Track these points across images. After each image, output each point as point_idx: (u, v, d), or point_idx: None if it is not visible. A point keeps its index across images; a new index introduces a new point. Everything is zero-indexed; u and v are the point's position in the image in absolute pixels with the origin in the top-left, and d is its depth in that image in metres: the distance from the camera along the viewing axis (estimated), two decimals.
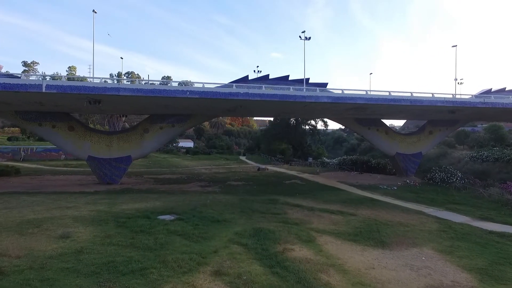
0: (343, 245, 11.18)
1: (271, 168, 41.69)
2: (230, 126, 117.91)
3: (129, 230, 10.43)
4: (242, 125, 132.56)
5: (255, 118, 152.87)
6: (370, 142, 32.54)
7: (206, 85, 19.97)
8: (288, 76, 27.65)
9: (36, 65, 68.98)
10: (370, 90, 23.13)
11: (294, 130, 56.16)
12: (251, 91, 20.51)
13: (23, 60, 78.19)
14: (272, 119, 63.81)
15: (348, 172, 37.41)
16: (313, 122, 57.47)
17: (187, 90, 19.31)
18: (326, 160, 48.36)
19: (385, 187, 25.77)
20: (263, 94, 20.67)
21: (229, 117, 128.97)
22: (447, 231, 13.50)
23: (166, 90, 18.97)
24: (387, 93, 23.41)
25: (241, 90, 20.35)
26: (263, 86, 21.43)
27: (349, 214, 16.33)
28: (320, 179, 30.18)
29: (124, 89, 18.35)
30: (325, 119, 57.68)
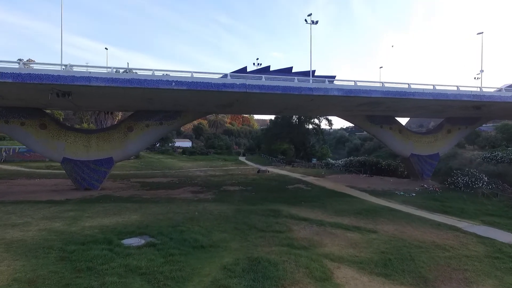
0: (371, 284, 8.10)
1: (272, 170, 38.60)
2: (230, 126, 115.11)
3: (71, 267, 7.38)
4: (242, 125, 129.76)
5: (255, 117, 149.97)
6: (382, 142, 29.44)
7: (195, 75, 16.90)
8: (291, 68, 24.64)
9: (32, 63, 65.92)
10: (386, 82, 20.02)
11: (296, 129, 53.00)
12: (249, 82, 17.44)
13: (19, 58, 75.37)
14: (273, 117, 60.75)
15: (356, 175, 34.32)
16: (316, 120, 54.33)
17: (173, 81, 16.24)
18: (331, 161, 45.22)
19: (402, 193, 22.67)
20: (263, 85, 17.60)
21: (229, 117, 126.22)
22: (502, 258, 10.40)
23: (147, 80, 15.92)
24: (406, 86, 20.29)
25: (237, 81, 17.29)
26: (263, 76, 18.36)
27: (368, 230, 13.26)
28: (326, 183, 27.08)
29: (96, 78, 15.30)
30: (329, 118, 54.57)
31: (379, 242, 11.68)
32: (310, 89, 18.27)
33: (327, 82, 19.02)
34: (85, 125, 60.06)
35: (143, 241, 9.67)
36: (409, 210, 17.74)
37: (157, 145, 64.47)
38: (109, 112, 32.57)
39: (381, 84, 19.87)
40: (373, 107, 22.73)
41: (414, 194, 22.15)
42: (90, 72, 15.37)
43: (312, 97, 19.02)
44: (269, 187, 24.52)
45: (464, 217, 16.34)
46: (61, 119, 65.84)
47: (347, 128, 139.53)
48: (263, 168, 37.54)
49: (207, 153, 60.29)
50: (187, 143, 77.84)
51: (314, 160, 45.22)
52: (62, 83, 14.99)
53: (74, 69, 15.56)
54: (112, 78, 15.50)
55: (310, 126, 55.24)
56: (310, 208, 17.33)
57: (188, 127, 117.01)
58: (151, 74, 16.30)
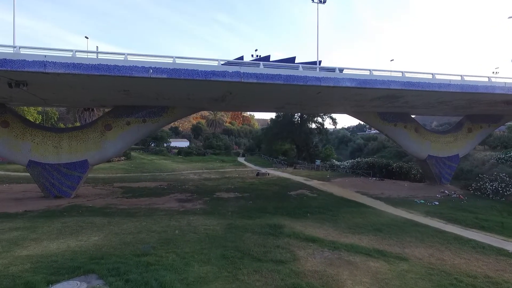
0: None
1: (273, 172, 35.62)
2: (230, 125, 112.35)
3: None
4: (242, 124, 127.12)
5: (256, 117, 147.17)
6: (395, 142, 26.39)
7: (178, 61, 13.90)
8: (294, 58, 21.55)
9: None
10: (407, 72, 16.98)
11: (298, 129, 49.97)
12: (243, 70, 14.44)
13: None
14: (273, 116, 57.74)
15: (365, 178, 31.29)
16: (320, 119, 51.30)
17: (150, 67, 13.25)
18: (336, 162, 42.17)
19: (422, 201, 19.64)
20: (261, 74, 14.59)
21: (229, 116, 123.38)
22: None
23: (118, 66, 12.93)
24: (430, 76, 17.26)
25: (230, 69, 14.29)
26: (261, 63, 15.35)
27: (396, 257, 10.23)
28: (333, 189, 24.07)
29: (53, 63, 12.32)
30: (333, 116, 51.53)
31: (415, 278, 8.65)
32: (318, 79, 15.25)
33: (337, 71, 16.00)
34: (77, 124, 56.93)
35: (83, 287, 6.67)
36: (437, 224, 14.70)
37: (152, 145, 61.62)
38: (91, 109, 29.36)
39: (401, 73, 16.83)
40: (389, 102, 19.72)
41: (437, 203, 19.11)
42: (45, 56, 12.38)
43: (319, 89, 16.02)
44: (269, 194, 21.51)
45: (508, 235, 13.29)
46: (56, 119, 62.55)
47: (348, 127, 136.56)
48: (262, 170, 34.55)
49: (204, 153, 57.36)
50: (184, 143, 75.00)
51: (318, 162, 42.16)
52: (9, 69, 12.04)
53: (25, 52, 12.55)
54: (73, 63, 12.52)
55: (313, 125, 52.18)
56: (318, 222, 14.33)
57: (187, 127, 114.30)
58: (123, 59, 13.30)
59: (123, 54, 13.34)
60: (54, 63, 12.33)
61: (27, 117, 45.32)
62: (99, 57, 13.50)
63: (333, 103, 20.67)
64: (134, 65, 13.09)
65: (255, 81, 14.50)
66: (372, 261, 9.79)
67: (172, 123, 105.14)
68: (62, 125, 57.27)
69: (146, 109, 19.54)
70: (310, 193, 22.09)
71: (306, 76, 15.09)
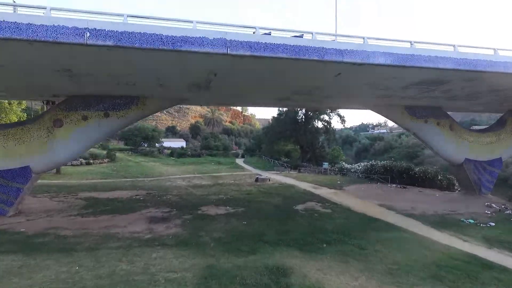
0: None
1: (274, 176, 30.99)
2: (230, 125, 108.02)
3: None
4: (243, 123, 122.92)
5: (257, 117, 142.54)
6: (425, 142, 21.57)
7: (131, 20, 9.28)
8: (302, 35, 16.91)
9: None
10: (459, 45, 12.28)
11: (303, 127, 45.28)
12: (230, 37, 9.81)
13: None
14: (275, 115, 53.06)
15: (383, 185, 26.59)
16: (326, 117, 46.56)
17: (87, 28, 8.64)
18: (346, 165, 37.44)
19: (471, 220, 14.93)
20: (257, 43, 9.98)
21: (229, 116, 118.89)
22: None
23: (33, 25, 8.33)
24: (492, 51, 12.58)
25: (211, 35, 9.65)
26: (257, 27, 10.72)
27: None
28: (349, 200, 19.41)
29: None
30: (341, 113, 46.79)
31: None
32: (339, 52, 10.60)
33: (366, 41, 11.32)
34: None
35: None
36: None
37: (145, 145, 57.09)
38: (51, 102, 24.62)
39: (452, 47, 12.14)
40: (427, 89, 15.04)
41: (492, 224, 14.39)
42: None
43: (340, 68, 11.37)
44: (269, 209, 16.85)
45: None
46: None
47: (351, 127, 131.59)
48: (262, 175, 29.85)
49: (199, 154, 52.78)
50: (180, 143, 70.42)
51: (326, 165, 37.37)
52: None
53: None
54: None
55: (320, 124, 47.39)
56: (341, 260, 9.67)
57: (185, 126, 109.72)
58: (43, 14, 8.69)
59: (44, 8, 8.72)
60: None
61: (10, 115, 40.50)
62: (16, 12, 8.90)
63: (353, 91, 15.97)
64: (60, 24, 8.47)
65: (248, 53, 9.89)
66: None
67: (170, 123, 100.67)
68: None
69: (109, 100, 14.97)
70: (321, 207, 17.42)
71: (323, 48, 10.46)
